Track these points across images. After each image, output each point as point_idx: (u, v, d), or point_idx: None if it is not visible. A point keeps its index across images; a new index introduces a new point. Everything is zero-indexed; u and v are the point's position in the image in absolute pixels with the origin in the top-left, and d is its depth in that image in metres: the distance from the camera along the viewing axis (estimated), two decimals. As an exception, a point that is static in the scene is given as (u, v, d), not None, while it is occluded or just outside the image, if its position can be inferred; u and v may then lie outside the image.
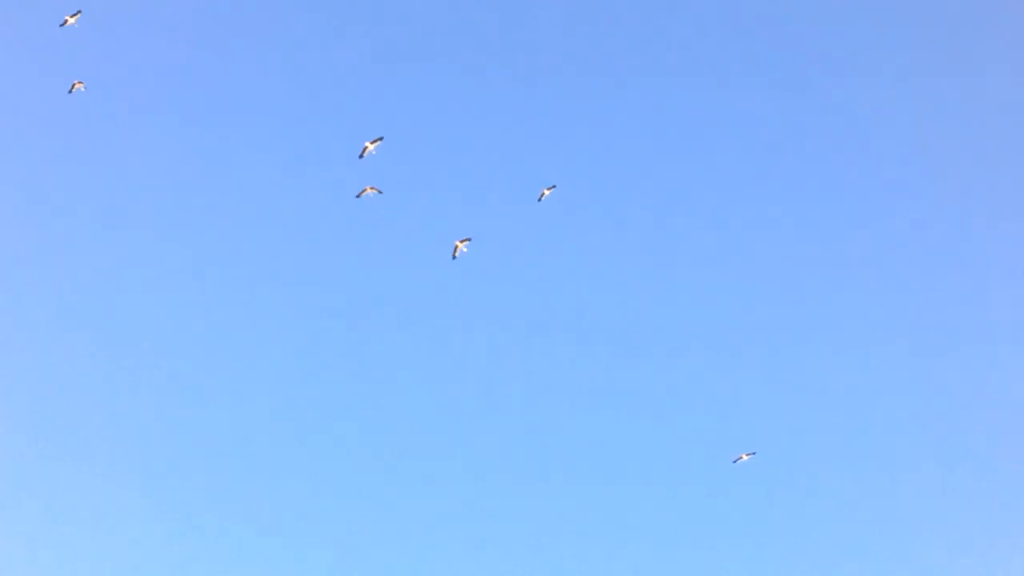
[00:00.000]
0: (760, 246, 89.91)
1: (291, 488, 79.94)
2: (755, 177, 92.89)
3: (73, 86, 63.74)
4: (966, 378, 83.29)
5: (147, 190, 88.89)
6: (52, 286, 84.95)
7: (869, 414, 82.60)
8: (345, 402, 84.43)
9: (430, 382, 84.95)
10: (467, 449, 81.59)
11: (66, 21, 61.32)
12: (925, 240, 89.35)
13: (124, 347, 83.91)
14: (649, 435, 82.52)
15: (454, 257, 63.69)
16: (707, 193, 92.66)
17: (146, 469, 79.15)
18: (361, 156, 61.56)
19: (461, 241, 63.55)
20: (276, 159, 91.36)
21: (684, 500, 79.53)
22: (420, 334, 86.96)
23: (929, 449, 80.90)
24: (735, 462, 68.36)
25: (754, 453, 68.43)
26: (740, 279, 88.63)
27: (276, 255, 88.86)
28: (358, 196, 62.73)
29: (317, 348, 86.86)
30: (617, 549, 76.34)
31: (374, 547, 77.61)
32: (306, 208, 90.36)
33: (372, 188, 62.45)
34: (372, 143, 61.38)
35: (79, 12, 61.10)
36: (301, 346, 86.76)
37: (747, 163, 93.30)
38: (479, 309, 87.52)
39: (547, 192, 64.78)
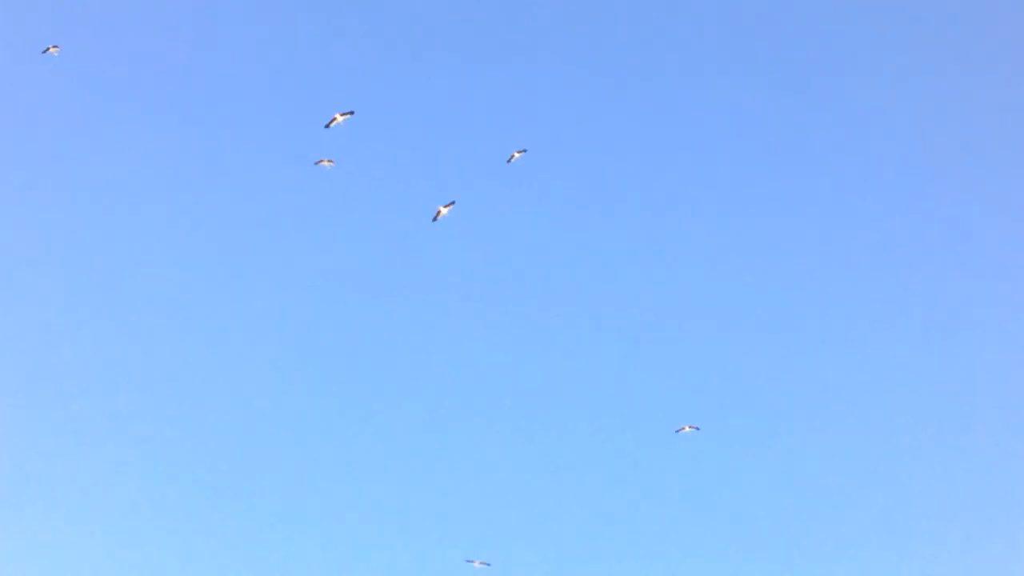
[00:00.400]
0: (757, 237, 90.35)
1: (292, 488, 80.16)
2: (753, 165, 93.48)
3: (47, 49, 63.02)
4: (966, 378, 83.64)
5: (145, 188, 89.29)
6: (51, 285, 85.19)
7: (868, 415, 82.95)
8: (345, 401, 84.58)
9: (430, 382, 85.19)
10: (468, 449, 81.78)
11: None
12: (925, 235, 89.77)
13: (124, 347, 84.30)
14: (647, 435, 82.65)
15: (434, 220, 62.06)
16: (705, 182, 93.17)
17: (146, 469, 79.38)
18: (327, 126, 60.96)
19: (444, 206, 62.23)
20: (265, 153, 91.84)
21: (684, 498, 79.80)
22: (419, 331, 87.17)
23: (928, 448, 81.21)
24: (677, 432, 68.14)
25: (697, 428, 68.14)
26: (739, 278, 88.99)
27: (271, 249, 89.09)
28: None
29: (314, 343, 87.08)
30: (619, 554, 76.55)
31: (374, 547, 77.82)
32: (292, 199, 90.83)
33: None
34: (343, 115, 60.83)
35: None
36: (298, 342, 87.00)
37: (745, 156, 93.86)
38: (479, 310, 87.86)
39: (516, 155, 63.48)
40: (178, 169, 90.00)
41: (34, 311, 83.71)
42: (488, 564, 62.86)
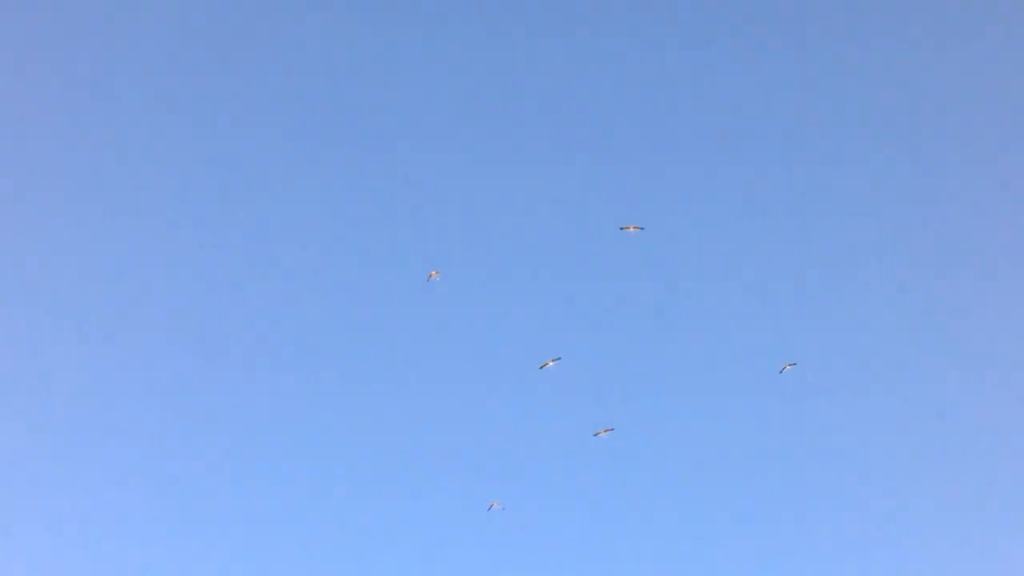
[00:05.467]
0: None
1: (290, 488, 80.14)
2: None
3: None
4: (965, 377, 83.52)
5: (145, 189, 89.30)
6: (51, 286, 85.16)
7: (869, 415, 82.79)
8: (345, 402, 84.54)
9: (430, 380, 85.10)
10: (468, 448, 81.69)
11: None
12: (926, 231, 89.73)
13: (123, 346, 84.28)
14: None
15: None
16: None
17: (145, 470, 79.37)
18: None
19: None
20: (269, 158, 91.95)
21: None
22: (419, 332, 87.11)
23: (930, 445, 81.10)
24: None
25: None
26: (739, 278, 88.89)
27: (271, 248, 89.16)
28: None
29: (316, 347, 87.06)
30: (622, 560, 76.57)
31: (374, 547, 77.81)
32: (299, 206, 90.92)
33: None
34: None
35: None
36: (299, 345, 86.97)
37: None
38: (479, 309, 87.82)
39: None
40: (174, 165, 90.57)
41: (34, 312, 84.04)
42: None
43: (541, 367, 62.64)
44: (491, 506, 66.21)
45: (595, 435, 64.00)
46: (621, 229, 63.68)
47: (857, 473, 79.68)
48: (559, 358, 62.48)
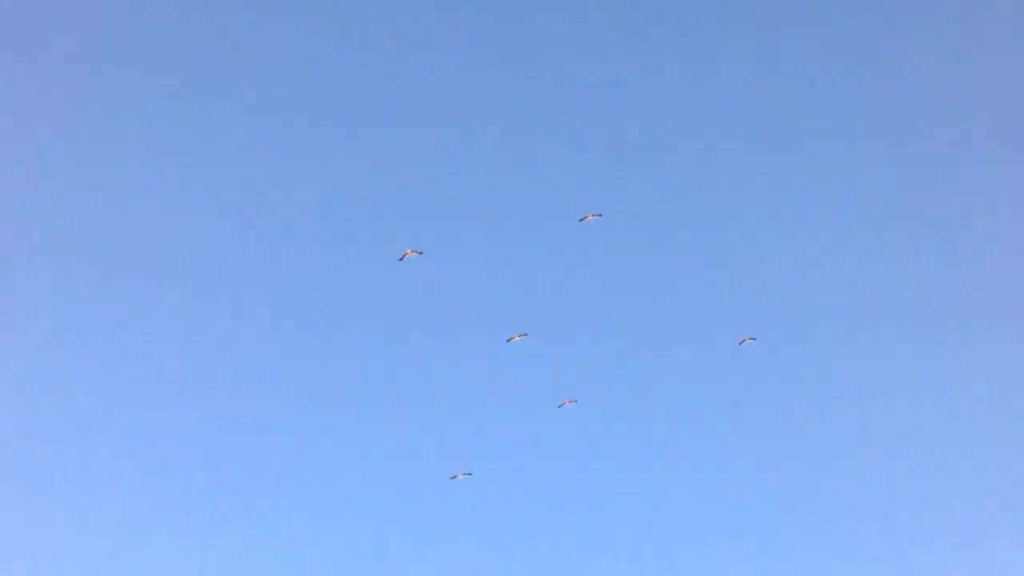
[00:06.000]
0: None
1: (291, 488, 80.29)
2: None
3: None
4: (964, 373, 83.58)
5: (145, 191, 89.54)
6: (51, 286, 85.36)
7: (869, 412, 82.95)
8: (345, 403, 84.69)
9: (430, 380, 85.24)
10: (468, 448, 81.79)
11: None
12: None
13: (122, 347, 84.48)
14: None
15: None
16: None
17: (145, 470, 79.55)
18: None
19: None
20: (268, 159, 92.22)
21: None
22: (419, 332, 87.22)
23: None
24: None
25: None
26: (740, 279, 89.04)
27: (276, 255, 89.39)
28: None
29: (315, 348, 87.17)
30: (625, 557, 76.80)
31: (374, 547, 77.91)
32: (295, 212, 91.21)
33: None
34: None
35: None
36: (299, 346, 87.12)
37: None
38: (477, 309, 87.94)
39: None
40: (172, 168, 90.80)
41: (34, 311, 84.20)
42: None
43: (508, 340, 64.45)
44: (454, 476, 67.94)
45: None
46: (581, 220, 65.17)
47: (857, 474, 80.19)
48: (526, 334, 64.28)
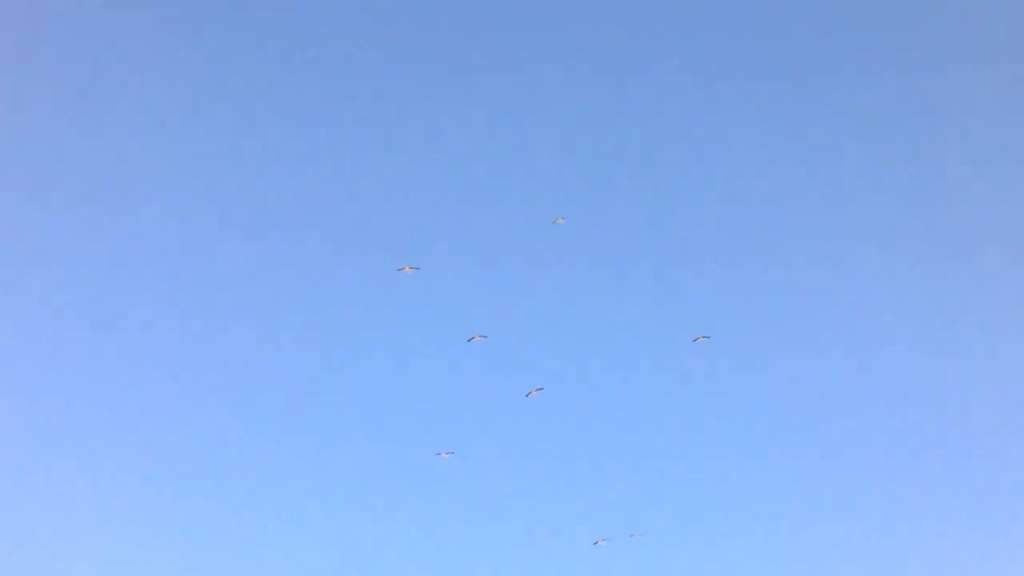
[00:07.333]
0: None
1: (291, 488, 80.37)
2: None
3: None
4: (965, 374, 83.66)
5: (145, 188, 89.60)
6: (51, 286, 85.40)
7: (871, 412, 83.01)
8: (345, 403, 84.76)
9: (431, 380, 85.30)
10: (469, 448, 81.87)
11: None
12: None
13: (122, 347, 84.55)
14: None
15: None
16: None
17: (144, 470, 79.61)
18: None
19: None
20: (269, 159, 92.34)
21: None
22: (420, 333, 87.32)
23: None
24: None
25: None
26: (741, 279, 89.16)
27: (269, 248, 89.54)
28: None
29: (316, 346, 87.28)
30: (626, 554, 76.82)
31: (374, 547, 77.98)
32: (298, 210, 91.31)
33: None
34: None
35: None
36: (299, 344, 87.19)
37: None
38: (478, 309, 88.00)
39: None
40: (174, 166, 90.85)
41: (34, 312, 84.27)
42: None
43: (469, 340, 64.92)
44: (440, 454, 68.42)
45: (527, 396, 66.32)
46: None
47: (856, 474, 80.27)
48: (486, 336, 64.94)
